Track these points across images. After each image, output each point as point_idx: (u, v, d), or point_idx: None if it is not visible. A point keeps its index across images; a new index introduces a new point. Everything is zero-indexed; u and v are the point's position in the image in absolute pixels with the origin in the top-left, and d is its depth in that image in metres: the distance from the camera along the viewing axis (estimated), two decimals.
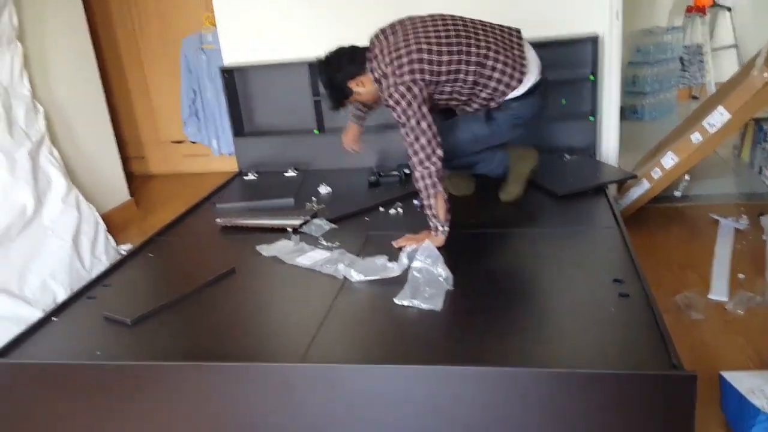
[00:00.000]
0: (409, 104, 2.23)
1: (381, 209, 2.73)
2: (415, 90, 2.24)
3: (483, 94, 2.42)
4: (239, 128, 3.63)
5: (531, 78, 2.44)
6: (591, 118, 3.18)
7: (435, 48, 2.30)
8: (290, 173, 3.44)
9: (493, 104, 2.46)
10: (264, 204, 2.93)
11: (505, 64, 2.37)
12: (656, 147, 3.65)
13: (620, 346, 1.61)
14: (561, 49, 3.17)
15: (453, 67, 2.32)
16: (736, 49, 5.34)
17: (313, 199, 2.93)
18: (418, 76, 2.27)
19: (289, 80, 3.50)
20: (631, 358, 1.55)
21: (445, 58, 2.30)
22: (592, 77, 3.14)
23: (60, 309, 2.06)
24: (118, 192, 4.10)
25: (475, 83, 2.38)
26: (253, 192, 3.23)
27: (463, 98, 2.44)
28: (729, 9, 5.30)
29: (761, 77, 2.95)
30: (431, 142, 2.21)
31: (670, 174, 3.16)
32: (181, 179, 4.87)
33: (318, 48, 3.39)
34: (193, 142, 4.80)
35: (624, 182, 3.24)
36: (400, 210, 2.70)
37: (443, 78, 2.33)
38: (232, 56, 3.59)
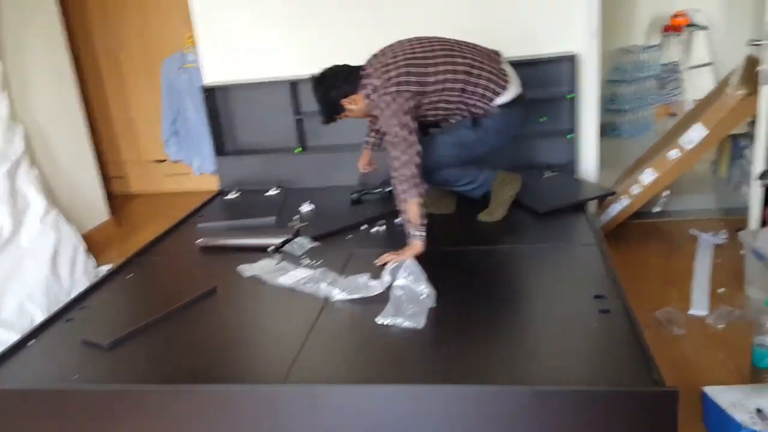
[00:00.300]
0: (394, 113, 2.33)
1: (364, 227, 2.73)
2: (400, 99, 2.35)
3: (471, 101, 2.50)
4: (221, 147, 3.62)
5: (514, 88, 2.54)
6: (570, 136, 3.22)
7: (421, 62, 2.42)
8: (272, 192, 3.43)
9: (480, 112, 2.52)
10: (246, 223, 2.92)
11: (491, 72, 2.49)
12: (635, 164, 3.69)
13: (601, 362, 1.61)
14: (540, 68, 3.21)
15: (440, 77, 2.43)
16: (711, 66, 5.42)
17: (295, 217, 2.92)
18: (404, 87, 2.38)
19: (271, 99, 3.50)
20: (612, 375, 1.55)
21: (431, 69, 2.42)
22: (570, 95, 3.17)
23: (37, 332, 2.03)
24: (98, 212, 4.06)
25: (463, 90, 2.46)
26: (234, 211, 3.22)
27: (452, 106, 2.51)
28: (705, 28, 5.40)
29: (736, 94, 3.01)
30: (410, 148, 2.30)
31: (649, 190, 3.20)
32: (163, 198, 4.84)
33: (299, 66, 3.43)
34: (175, 161, 4.78)
35: (604, 199, 3.27)
36: (382, 228, 2.69)
37: (430, 88, 2.43)
38: (214, 75, 3.58)
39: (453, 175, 2.68)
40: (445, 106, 2.51)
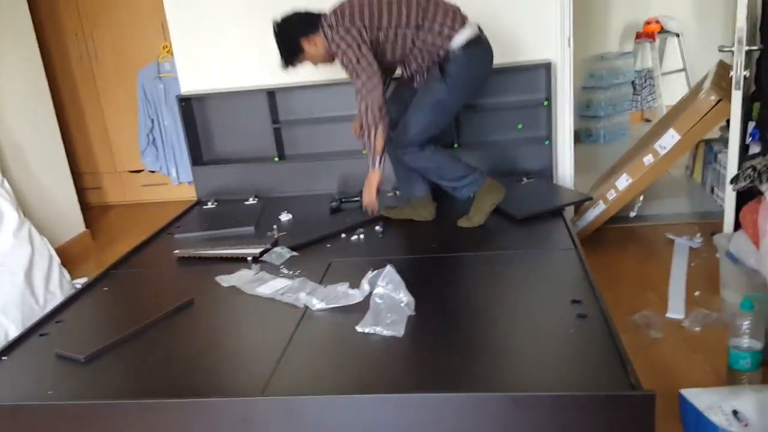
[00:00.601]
0: (348, 45, 2.45)
1: (343, 236, 2.72)
2: (353, 32, 2.47)
3: (429, 39, 2.53)
4: (198, 156, 3.60)
5: (473, 28, 2.57)
6: (546, 142, 3.24)
7: (376, 7, 2.51)
8: (250, 201, 3.41)
9: (441, 53, 2.54)
10: (224, 233, 2.90)
11: (446, 10, 2.55)
12: (611, 169, 3.73)
13: (579, 367, 1.62)
14: (516, 75, 3.24)
15: (395, 12, 2.51)
16: (685, 72, 5.52)
17: (274, 227, 2.91)
18: (358, 23, 2.49)
19: (248, 108, 3.49)
20: (590, 379, 1.56)
21: (385, 8, 2.51)
22: (546, 102, 3.21)
23: (11, 347, 1.99)
24: (74, 224, 4.01)
25: (418, 27, 2.52)
26: (212, 221, 3.19)
27: (409, 44, 2.55)
28: (677, 35, 5.50)
29: (708, 100, 3.06)
30: (374, 76, 2.44)
31: (625, 195, 3.24)
32: (140, 209, 4.79)
33: (276, 76, 3.42)
34: (152, 171, 4.74)
35: (580, 204, 3.30)
36: (362, 236, 2.69)
37: (384, 23, 2.51)
38: (190, 84, 3.57)
39: (445, 166, 2.68)
40: (403, 44, 2.55)
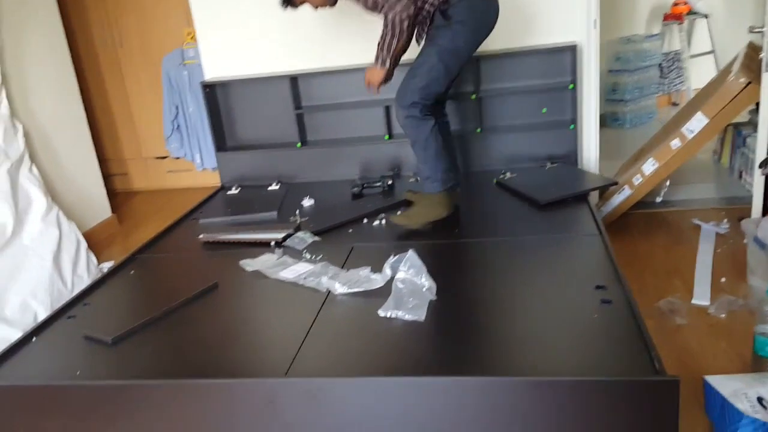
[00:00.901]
0: None
1: (365, 221, 2.73)
2: None
3: None
4: (221, 143, 3.63)
5: None
6: (572, 127, 3.21)
7: None
8: (273, 187, 3.43)
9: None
10: (247, 218, 2.92)
11: None
12: (637, 154, 3.68)
13: (602, 352, 1.61)
14: (541, 58, 3.20)
15: None
16: (713, 54, 5.41)
17: (297, 212, 2.92)
18: None
19: (271, 94, 3.50)
20: (614, 365, 1.55)
21: None
22: (571, 86, 3.16)
23: (40, 329, 2.04)
24: (100, 209, 4.07)
25: None
26: (236, 206, 3.22)
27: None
28: (705, 16, 5.38)
29: (738, 82, 2.99)
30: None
31: (651, 180, 3.19)
32: (165, 195, 4.84)
33: (299, 61, 3.43)
34: (177, 158, 4.79)
35: (606, 189, 3.26)
36: (383, 221, 2.69)
37: None
38: (214, 71, 3.59)
39: (430, 153, 2.54)
40: None
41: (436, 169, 2.55)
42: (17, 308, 2.79)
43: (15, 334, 2.56)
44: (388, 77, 2.61)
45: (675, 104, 5.70)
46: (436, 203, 2.56)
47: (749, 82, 2.96)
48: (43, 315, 2.79)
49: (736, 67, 3.21)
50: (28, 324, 2.73)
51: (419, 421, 1.53)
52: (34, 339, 1.98)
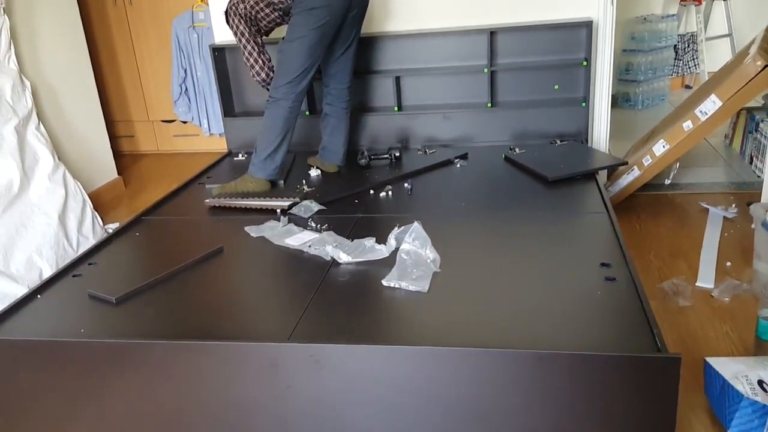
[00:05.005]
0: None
1: (371, 192, 2.72)
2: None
3: None
4: (229, 108, 3.60)
5: None
6: (583, 104, 3.17)
7: None
8: None
9: None
10: None
11: None
12: (648, 134, 3.65)
13: (605, 328, 1.61)
14: (555, 33, 3.15)
15: None
16: (730, 38, 5.33)
17: (303, 181, 2.91)
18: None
19: None
20: (616, 341, 1.55)
21: None
22: (585, 63, 3.12)
23: (45, 286, 2.05)
24: (107, 170, 4.07)
25: None
26: (242, 172, 3.19)
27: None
28: None
29: (754, 65, 2.94)
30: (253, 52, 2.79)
31: (661, 161, 3.16)
32: (171, 158, 4.84)
33: None
34: (184, 122, 4.77)
35: (615, 169, 3.24)
36: (390, 193, 2.68)
37: None
38: (224, 34, 3.54)
39: (267, 134, 2.81)
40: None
41: (264, 154, 2.80)
42: (23, 264, 2.80)
43: (20, 290, 2.58)
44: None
45: (688, 87, 5.63)
46: (253, 181, 2.80)
47: (766, 65, 2.92)
48: (48, 272, 2.81)
49: (754, 49, 3.16)
50: (33, 280, 2.75)
51: (418, 389, 1.54)
52: (39, 296, 1.99)
